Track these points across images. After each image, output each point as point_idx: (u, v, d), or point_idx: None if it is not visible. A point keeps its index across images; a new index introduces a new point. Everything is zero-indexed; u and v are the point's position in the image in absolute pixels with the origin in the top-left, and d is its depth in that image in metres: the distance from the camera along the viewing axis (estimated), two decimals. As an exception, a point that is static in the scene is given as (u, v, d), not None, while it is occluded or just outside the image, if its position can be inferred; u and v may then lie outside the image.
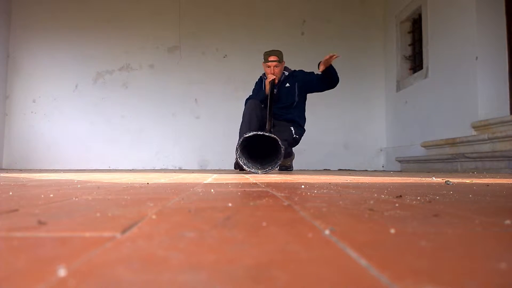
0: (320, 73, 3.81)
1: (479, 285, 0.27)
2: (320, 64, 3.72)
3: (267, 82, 3.77)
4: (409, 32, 5.85)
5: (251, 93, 4.11)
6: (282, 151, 2.85)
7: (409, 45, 5.84)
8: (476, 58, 4.15)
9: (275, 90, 3.81)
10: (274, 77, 3.79)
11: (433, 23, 4.96)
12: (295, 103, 3.95)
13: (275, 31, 6.23)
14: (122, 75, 6.15)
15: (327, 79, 3.80)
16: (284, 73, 3.96)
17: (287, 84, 3.93)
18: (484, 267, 0.32)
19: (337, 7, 6.33)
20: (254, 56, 6.18)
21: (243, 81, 6.20)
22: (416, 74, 5.50)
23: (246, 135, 2.86)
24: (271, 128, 3.37)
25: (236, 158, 2.85)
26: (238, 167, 3.45)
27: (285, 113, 3.92)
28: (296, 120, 3.95)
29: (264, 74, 4.03)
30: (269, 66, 3.84)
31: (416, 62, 5.73)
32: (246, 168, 2.85)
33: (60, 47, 6.13)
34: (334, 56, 3.62)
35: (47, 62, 6.12)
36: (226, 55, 6.21)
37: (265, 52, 3.94)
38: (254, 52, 6.19)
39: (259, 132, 2.91)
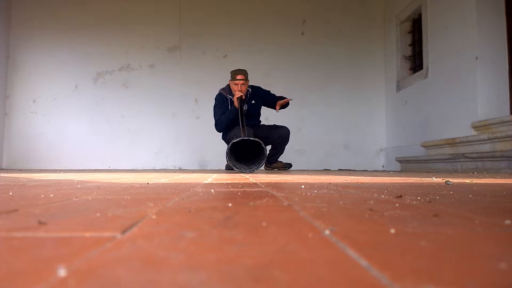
0: (276, 95, 4.43)
1: (479, 285, 0.27)
2: (277, 104, 4.28)
3: (235, 98, 4.07)
4: (409, 32, 5.85)
5: (215, 116, 4.30)
6: (266, 152, 3.22)
7: (409, 45, 5.84)
8: (476, 58, 4.15)
9: (245, 106, 4.18)
10: (242, 94, 4.07)
11: (433, 23, 4.96)
12: (260, 117, 4.48)
13: (275, 31, 6.24)
14: (122, 75, 6.15)
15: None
16: (248, 89, 4.29)
17: (253, 101, 4.33)
18: (484, 267, 0.32)
19: (337, 7, 6.33)
20: (254, 56, 6.19)
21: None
22: (416, 74, 5.49)
23: (234, 141, 3.24)
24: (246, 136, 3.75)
25: (227, 161, 3.20)
26: (228, 168, 3.85)
27: (256, 125, 4.38)
28: (260, 126, 4.45)
29: (222, 89, 4.34)
30: (236, 84, 4.11)
31: (416, 62, 5.73)
32: (235, 169, 3.22)
33: (60, 47, 6.13)
34: (286, 100, 4.28)
35: (47, 62, 6.12)
36: (226, 55, 6.21)
37: (232, 71, 4.22)
38: (254, 52, 6.20)
39: (245, 137, 3.26)
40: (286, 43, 6.25)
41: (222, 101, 4.26)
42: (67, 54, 6.11)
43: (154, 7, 6.18)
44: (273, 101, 4.36)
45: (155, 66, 6.17)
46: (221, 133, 4.38)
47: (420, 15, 5.39)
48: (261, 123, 4.54)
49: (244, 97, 4.13)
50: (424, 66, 5.18)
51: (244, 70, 4.20)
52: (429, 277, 0.29)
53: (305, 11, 6.30)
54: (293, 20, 6.28)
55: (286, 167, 4.53)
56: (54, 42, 6.13)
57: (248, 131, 3.85)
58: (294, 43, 6.25)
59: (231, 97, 4.18)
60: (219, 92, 4.36)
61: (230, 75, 4.21)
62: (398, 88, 5.89)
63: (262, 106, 4.49)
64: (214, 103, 4.37)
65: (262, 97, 4.37)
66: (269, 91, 4.45)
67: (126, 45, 6.14)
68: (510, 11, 4.13)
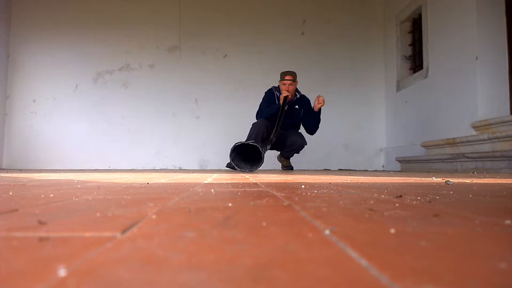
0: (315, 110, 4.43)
1: (479, 285, 0.27)
2: (315, 106, 4.34)
3: (281, 97, 4.25)
4: (409, 32, 5.85)
5: (260, 107, 4.49)
6: (263, 156, 3.41)
7: (409, 45, 5.84)
8: (476, 58, 4.15)
9: (286, 106, 4.29)
10: (289, 94, 4.26)
11: (433, 23, 4.96)
12: (298, 124, 4.57)
13: (275, 31, 6.24)
14: (122, 75, 6.15)
15: (315, 120, 4.46)
16: (296, 94, 4.44)
17: (296, 106, 4.47)
18: (484, 267, 0.32)
19: (337, 7, 6.33)
20: (254, 56, 6.19)
21: (243, 81, 6.21)
22: (416, 74, 5.49)
23: (236, 144, 3.43)
24: (274, 138, 3.85)
25: (230, 160, 3.41)
26: (229, 166, 4.06)
27: (287, 129, 4.46)
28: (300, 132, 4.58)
29: (274, 88, 4.52)
30: (284, 84, 4.31)
31: (416, 62, 5.73)
32: (237, 168, 3.45)
33: (60, 47, 6.13)
34: (320, 100, 4.29)
35: (47, 62, 6.12)
36: (226, 55, 6.21)
37: (282, 71, 4.40)
38: (254, 52, 6.20)
39: (244, 142, 3.48)
40: (286, 43, 6.25)
41: (269, 95, 4.50)
42: (67, 54, 6.11)
43: (154, 7, 6.18)
44: (309, 114, 4.47)
45: (155, 66, 6.17)
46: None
47: (420, 15, 5.39)
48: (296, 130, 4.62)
49: (289, 97, 4.31)
50: (424, 66, 5.18)
51: (293, 71, 4.39)
52: (429, 277, 0.29)
53: (305, 11, 6.30)
54: (293, 20, 6.28)
55: (288, 168, 4.66)
56: (54, 42, 6.13)
57: (278, 133, 4.07)
58: (294, 43, 6.25)
59: (278, 94, 4.39)
60: (270, 87, 4.58)
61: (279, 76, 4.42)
62: (398, 88, 5.89)
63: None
64: (264, 94, 4.56)
65: (306, 107, 4.48)
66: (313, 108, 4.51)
67: (126, 45, 6.14)
68: (510, 11, 4.13)
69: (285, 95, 4.21)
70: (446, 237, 0.45)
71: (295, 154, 4.60)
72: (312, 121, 4.44)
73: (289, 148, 4.45)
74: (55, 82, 6.10)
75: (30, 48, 6.13)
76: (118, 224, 0.52)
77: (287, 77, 4.30)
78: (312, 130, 4.54)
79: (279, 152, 4.75)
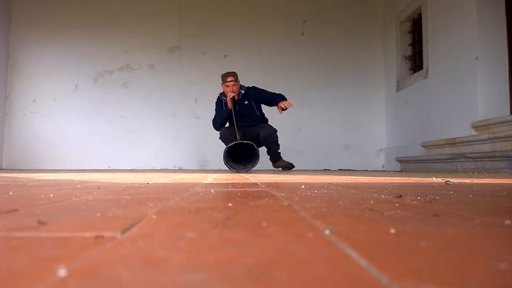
0: (275, 92, 4.45)
1: (479, 285, 0.27)
2: (278, 107, 4.21)
3: (228, 99, 4.28)
4: (409, 32, 5.85)
5: (215, 113, 4.53)
6: (259, 153, 3.44)
7: (409, 45, 5.84)
8: (476, 58, 4.15)
9: (237, 107, 4.32)
10: (234, 94, 4.29)
11: (433, 23, 4.96)
12: (257, 116, 4.50)
13: (275, 31, 6.24)
14: (122, 75, 6.15)
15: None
16: (240, 91, 4.45)
17: (246, 102, 4.45)
18: (484, 267, 0.32)
19: (337, 7, 6.33)
20: (254, 56, 6.19)
21: (243, 81, 6.20)
22: (416, 74, 5.49)
23: (229, 145, 3.49)
24: (241, 137, 3.83)
25: (224, 163, 3.46)
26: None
27: (252, 125, 4.46)
28: (263, 122, 4.54)
29: (221, 94, 4.53)
30: (227, 86, 4.32)
31: (416, 62, 5.73)
32: (232, 170, 3.47)
33: (60, 47, 6.13)
34: (290, 106, 4.22)
35: (47, 62, 6.12)
36: (226, 55, 6.21)
37: (222, 74, 4.42)
38: (254, 52, 6.20)
39: (238, 141, 3.52)
40: (286, 43, 6.25)
41: (219, 103, 4.53)
42: (67, 54, 6.11)
43: (154, 7, 6.18)
44: (272, 99, 4.39)
45: (155, 66, 6.17)
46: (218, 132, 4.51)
47: (420, 15, 5.39)
48: (262, 122, 4.56)
49: (236, 97, 4.32)
50: (424, 66, 5.18)
51: (233, 72, 4.41)
52: (429, 277, 0.29)
53: (305, 11, 6.30)
54: (293, 20, 6.28)
55: (288, 167, 4.57)
56: (54, 42, 6.13)
57: (244, 132, 4.10)
58: (294, 43, 6.25)
59: (225, 98, 4.41)
60: (218, 97, 4.60)
61: (221, 79, 4.42)
62: (398, 88, 5.89)
63: (262, 105, 4.54)
64: (214, 103, 4.59)
65: (255, 96, 4.45)
66: (264, 90, 4.51)
67: (126, 45, 6.14)
68: (510, 11, 4.13)
69: (231, 96, 4.24)
70: (446, 237, 0.45)
71: (278, 147, 4.46)
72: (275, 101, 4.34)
73: (264, 143, 4.37)
74: (55, 82, 6.10)
75: (30, 48, 6.13)
76: (118, 224, 0.52)
77: (229, 78, 4.31)
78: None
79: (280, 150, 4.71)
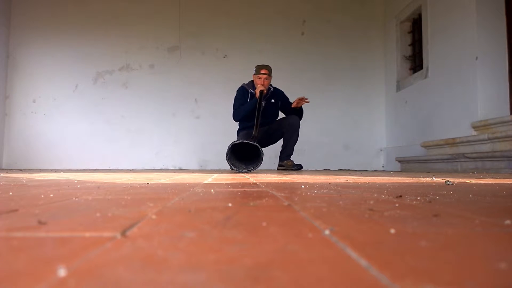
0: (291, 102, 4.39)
1: (479, 285, 0.27)
2: (293, 103, 4.25)
3: (257, 91, 4.10)
4: (409, 32, 5.85)
5: (234, 106, 4.35)
6: (262, 156, 3.31)
7: (409, 45, 5.84)
8: (476, 58, 4.15)
9: (264, 102, 4.19)
10: (264, 88, 4.10)
11: (433, 23, 4.96)
12: (277, 118, 4.45)
13: (275, 31, 6.24)
14: (122, 75, 6.15)
15: (298, 113, 4.38)
16: (270, 88, 4.35)
17: (272, 100, 4.37)
18: (484, 267, 0.32)
19: (337, 7, 6.33)
20: (254, 56, 6.18)
21: (243, 81, 6.18)
22: (416, 74, 5.50)
23: (234, 142, 3.38)
24: (257, 134, 3.70)
25: (226, 159, 3.35)
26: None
27: (268, 123, 4.36)
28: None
29: (245, 85, 4.39)
30: (260, 78, 4.18)
31: (416, 62, 5.73)
32: (234, 168, 3.40)
33: (60, 47, 6.13)
34: (306, 101, 4.21)
35: (47, 62, 6.12)
36: (226, 55, 6.21)
37: (257, 65, 4.29)
38: (254, 52, 6.19)
39: (244, 141, 3.42)
40: (286, 43, 6.25)
41: (242, 94, 4.33)
42: (67, 54, 6.11)
43: (154, 7, 6.18)
44: (288, 107, 4.39)
45: (155, 66, 6.17)
46: (237, 122, 4.46)
47: (420, 15, 5.39)
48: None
49: (265, 92, 4.16)
50: (424, 66, 5.18)
51: (268, 65, 4.28)
52: (429, 277, 0.29)
53: (305, 11, 6.30)
54: (293, 20, 6.28)
55: (296, 167, 4.32)
56: (54, 42, 6.13)
57: (261, 131, 3.99)
58: (294, 43, 6.25)
59: (252, 90, 4.26)
60: (241, 85, 4.42)
61: (254, 69, 4.29)
62: (398, 88, 5.89)
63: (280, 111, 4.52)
64: (235, 95, 4.43)
65: (281, 99, 4.41)
66: (288, 98, 4.50)
67: (126, 45, 6.14)
68: (510, 11, 4.13)
69: (261, 89, 4.04)
70: (446, 237, 0.45)
71: (296, 141, 4.34)
72: (295, 113, 4.34)
73: (289, 128, 4.24)
74: (55, 82, 6.10)
75: (30, 48, 6.13)
76: (118, 224, 0.52)
77: (263, 71, 4.16)
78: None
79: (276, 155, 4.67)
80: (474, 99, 4.19)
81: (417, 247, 0.39)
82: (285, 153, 4.35)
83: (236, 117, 4.33)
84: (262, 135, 4.15)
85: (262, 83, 4.14)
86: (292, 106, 4.28)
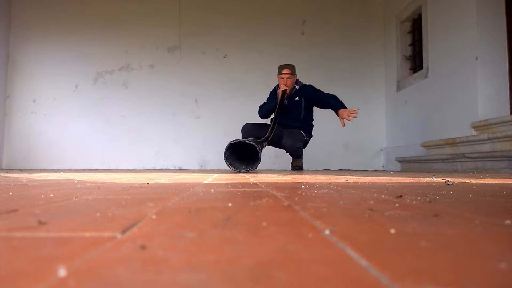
0: (330, 94, 4.31)
1: (479, 285, 0.27)
2: (340, 119, 4.14)
3: (279, 91, 4.18)
4: (409, 32, 5.85)
5: (265, 101, 4.48)
6: (260, 156, 3.27)
7: (409, 45, 5.84)
8: (476, 58, 4.15)
9: (285, 101, 4.22)
10: (286, 88, 4.18)
11: (433, 23, 4.96)
12: (302, 116, 4.37)
13: (275, 31, 6.24)
14: (122, 75, 6.15)
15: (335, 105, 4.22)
16: (295, 86, 4.33)
17: (296, 98, 4.34)
18: (484, 267, 0.32)
19: (337, 7, 6.33)
20: (254, 56, 6.19)
21: (243, 81, 6.21)
22: (416, 74, 5.49)
23: (231, 142, 3.31)
24: (270, 135, 3.66)
25: (224, 159, 3.31)
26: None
27: (293, 124, 4.36)
28: (303, 127, 4.41)
29: (277, 85, 4.42)
30: (282, 78, 4.22)
31: (416, 62, 5.73)
32: (232, 168, 3.37)
33: (60, 47, 6.13)
34: (355, 113, 4.08)
35: (47, 62, 6.12)
36: (226, 55, 6.21)
37: (280, 65, 4.33)
38: (254, 52, 6.20)
39: (241, 140, 3.37)
40: (286, 43, 6.25)
41: (272, 92, 4.50)
42: (67, 54, 6.11)
43: (154, 7, 6.18)
44: (324, 101, 4.26)
45: (155, 66, 6.17)
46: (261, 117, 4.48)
47: (420, 15, 5.39)
48: (302, 126, 4.41)
49: (288, 91, 4.21)
50: (424, 66, 5.18)
51: (291, 64, 4.30)
52: (429, 277, 0.29)
53: (305, 11, 6.30)
54: (293, 20, 6.28)
55: (296, 168, 4.53)
56: (54, 42, 6.13)
57: (277, 129, 3.95)
58: (294, 43, 6.25)
59: (279, 89, 4.31)
60: (274, 87, 4.55)
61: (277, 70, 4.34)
62: (398, 88, 5.89)
63: (315, 107, 4.44)
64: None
65: (307, 95, 4.32)
66: (319, 90, 4.37)
67: (126, 45, 6.14)
68: (510, 11, 4.13)
69: (283, 89, 4.13)
70: (446, 237, 0.45)
71: (299, 156, 4.48)
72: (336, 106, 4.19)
73: (284, 148, 4.31)
74: (55, 82, 6.10)
75: (30, 48, 6.13)
76: (118, 224, 0.52)
77: (285, 71, 4.21)
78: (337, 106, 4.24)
79: (280, 150, 4.70)
80: (474, 99, 4.19)
81: (417, 247, 0.39)
82: (291, 155, 4.52)
83: (260, 113, 4.40)
84: (276, 134, 4.05)
85: (285, 83, 4.19)
86: (342, 124, 4.16)
